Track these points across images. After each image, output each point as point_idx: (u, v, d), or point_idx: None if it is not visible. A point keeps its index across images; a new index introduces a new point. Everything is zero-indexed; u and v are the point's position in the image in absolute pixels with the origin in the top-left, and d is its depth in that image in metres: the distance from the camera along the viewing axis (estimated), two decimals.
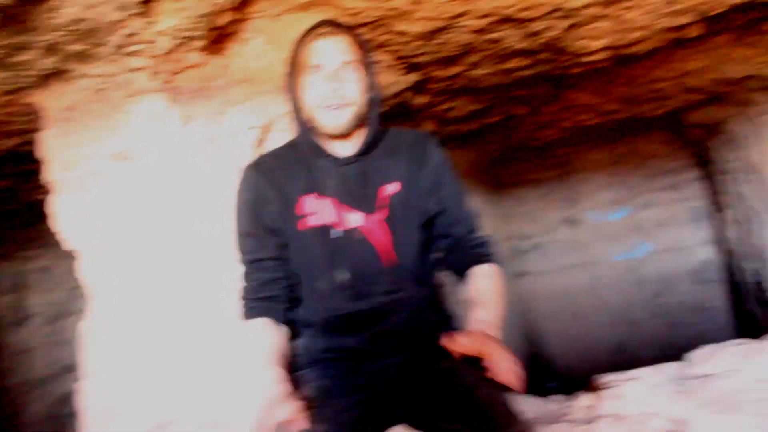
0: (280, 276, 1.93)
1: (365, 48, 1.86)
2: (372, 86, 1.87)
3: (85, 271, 2.20)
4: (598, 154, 7.31)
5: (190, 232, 2.18)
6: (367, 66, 1.86)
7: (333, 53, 1.81)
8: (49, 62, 1.99)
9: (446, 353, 1.87)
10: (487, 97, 3.82)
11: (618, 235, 7.44)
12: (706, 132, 5.94)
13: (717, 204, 6.59)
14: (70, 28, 1.81)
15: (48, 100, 2.22)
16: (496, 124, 4.84)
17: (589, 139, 6.51)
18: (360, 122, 1.88)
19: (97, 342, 2.12)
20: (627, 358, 7.23)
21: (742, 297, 6.15)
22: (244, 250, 1.97)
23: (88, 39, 1.90)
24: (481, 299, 1.86)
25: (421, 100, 3.52)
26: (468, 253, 1.96)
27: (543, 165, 7.47)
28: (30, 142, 2.82)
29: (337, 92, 1.80)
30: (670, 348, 7.21)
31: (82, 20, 1.79)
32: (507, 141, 5.90)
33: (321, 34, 1.83)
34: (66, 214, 2.23)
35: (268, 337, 1.87)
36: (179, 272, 2.17)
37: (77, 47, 1.93)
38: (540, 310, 7.53)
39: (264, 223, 1.91)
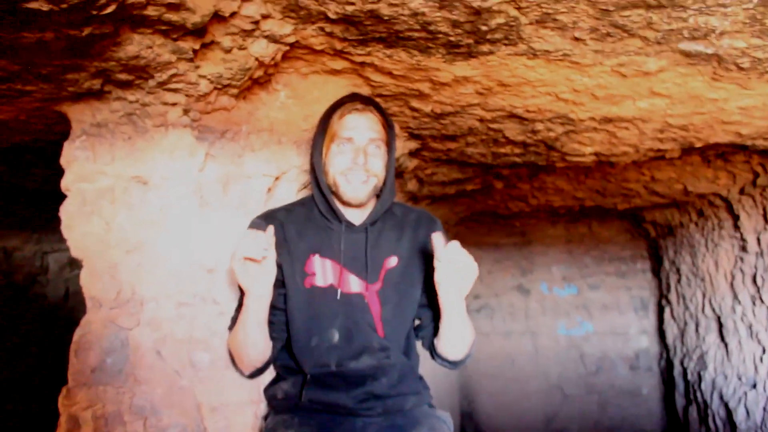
0: (279, 320, 2.05)
1: (391, 126, 2.02)
2: (390, 162, 2.03)
3: (84, 281, 2.28)
4: (555, 230, 7.61)
5: (192, 263, 2.30)
6: (390, 144, 2.02)
7: (364, 129, 1.96)
8: (92, 83, 2.11)
9: (421, 420, 2.01)
10: (471, 169, 4.03)
11: (564, 311, 7.71)
12: (662, 231, 6.26)
13: (660, 298, 6.90)
14: (125, 62, 1.93)
15: (79, 114, 2.32)
16: (471, 191, 5.05)
17: (550, 214, 6.77)
18: (375, 194, 2.03)
19: (86, 352, 2.21)
20: (555, 429, 7.47)
21: (673, 390, 6.41)
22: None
23: (137, 72, 2.02)
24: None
25: (411, 163, 3.70)
26: None
27: (503, 231, 7.72)
28: (39, 140, 2.92)
29: (364, 166, 1.95)
30: (597, 426, 7.51)
31: (139, 57, 1.92)
32: (476, 205, 6.09)
33: (356, 110, 1.98)
34: (75, 222, 2.32)
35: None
36: (174, 299, 2.28)
37: (124, 77, 2.05)
38: (479, 369, 7.72)
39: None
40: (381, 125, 2.01)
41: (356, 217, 2.06)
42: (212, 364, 2.28)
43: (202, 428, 2.25)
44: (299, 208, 2.13)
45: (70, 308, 5.73)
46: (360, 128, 1.97)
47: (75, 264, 5.71)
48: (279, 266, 2.01)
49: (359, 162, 1.94)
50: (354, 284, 2.01)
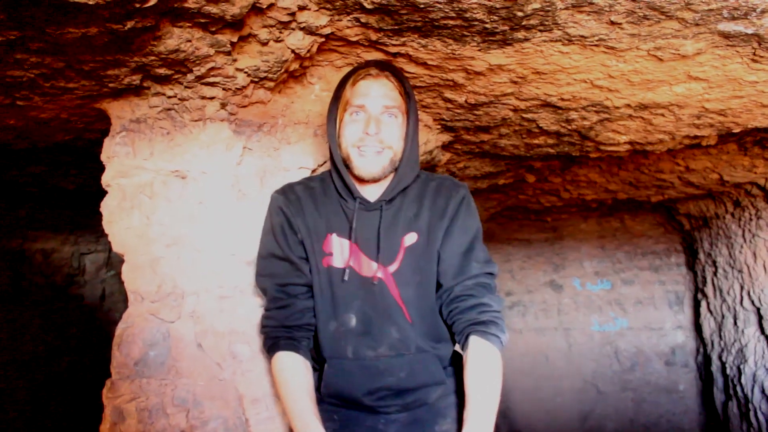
0: (310, 306, 1.95)
1: (409, 95, 1.88)
2: (409, 134, 1.87)
3: (126, 275, 2.32)
4: (588, 224, 7.54)
5: (231, 256, 2.32)
6: (409, 114, 1.87)
7: (377, 96, 1.83)
8: (132, 79, 2.14)
9: (443, 414, 1.93)
10: (503, 162, 4.01)
11: (597, 306, 7.64)
12: (697, 223, 6.17)
13: (696, 292, 6.80)
14: (165, 56, 1.96)
15: (119, 110, 2.36)
16: (503, 186, 5.03)
17: (582, 209, 6.71)
18: (393, 168, 1.90)
19: (129, 345, 2.25)
20: (590, 427, 7.40)
21: (711, 386, 6.31)
22: (272, 273, 1.97)
23: (176, 67, 2.05)
24: (476, 397, 1.75)
25: (444, 156, 3.70)
26: (464, 317, 1.87)
27: (534, 227, 7.67)
28: (79, 139, 2.97)
29: (375, 136, 1.82)
30: (633, 423, 7.42)
31: (178, 51, 1.94)
32: (507, 200, 6.07)
33: (369, 75, 1.86)
34: (115, 218, 2.36)
35: (302, 374, 1.90)
36: (214, 292, 2.30)
37: (163, 71, 2.08)
38: (512, 366, 7.67)
39: (295, 249, 1.93)
40: (398, 92, 1.86)
41: (372, 193, 1.93)
42: (253, 356, 2.30)
43: (244, 420, 2.27)
44: (317, 183, 2.03)
45: (107, 309, 5.83)
46: (373, 94, 1.83)
47: (111, 265, 5.81)
48: (301, 243, 1.94)
49: (371, 131, 1.81)
50: (369, 267, 1.90)
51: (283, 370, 1.92)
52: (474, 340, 1.82)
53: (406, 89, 1.88)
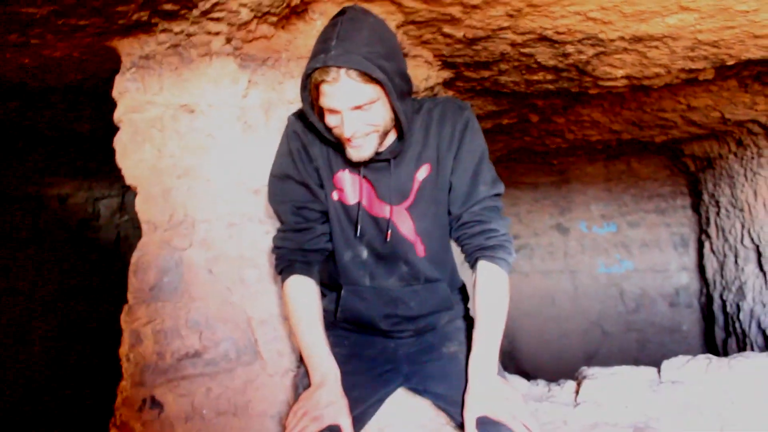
0: (326, 231, 2.03)
1: (375, 79, 1.70)
2: (395, 99, 1.75)
3: (139, 206, 2.44)
4: (594, 168, 7.57)
5: (239, 185, 2.43)
6: (387, 86, 1.72)
7: (344, 100, 1.72)
8: (140, 15, 2.22)
9: (450, 338, 2.05)
10: (506, 100, 4.07)
11: (603, 249, 7.72)
12: (701, 164, 6.21)
13: (700, 234, 6.88)
14: None
15: (128, 47, 2.44)
16: (508, 126, 5.08)
17: (588, 152, 6.75)
18: (385, 134, 1.86)
19: (144, 271, 2.38)
20: (596, 366, 7.55)
21: (713, 325, 6.43)
22: (290, 197, 2.00)
23: (181, 2, 2.13)
24: (482, 320, 1.86)
25: (446, 95, 3.77)
26: (472, 243, 1.96)
27: (540, 170, 7.71)
28: (90, 78, 3.07)
29: (357, 132, 1.78)
30: (637, 363, 7.49)
31: None
32: (513, 142, 6.11)
33: (325, 81, 1.70)
34: (128, 151, 2.47)
35: (314, 300, 1.98)
36: (224, 219, 2.42)
37: (170, 7, 2.16)
38: (519, 308, 7.82)
39: (312, 175, 1.98)
40: (363, 83, 1.69)
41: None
42: (260, 280, 2.43)
43: (253, 340, 2.41)
44: None
45: (122, 253, 6.00)
46: (339, 98, 1.71)
47: (124, 210, 5.96)
48: (316, 170, 1.99)
49: (348, 134, 1.76)
50: (380, 208, 1.97)
51: (296, 294, 2.00)
52: (482, 265, 1.92)
53: (372, 76, 1.67)
